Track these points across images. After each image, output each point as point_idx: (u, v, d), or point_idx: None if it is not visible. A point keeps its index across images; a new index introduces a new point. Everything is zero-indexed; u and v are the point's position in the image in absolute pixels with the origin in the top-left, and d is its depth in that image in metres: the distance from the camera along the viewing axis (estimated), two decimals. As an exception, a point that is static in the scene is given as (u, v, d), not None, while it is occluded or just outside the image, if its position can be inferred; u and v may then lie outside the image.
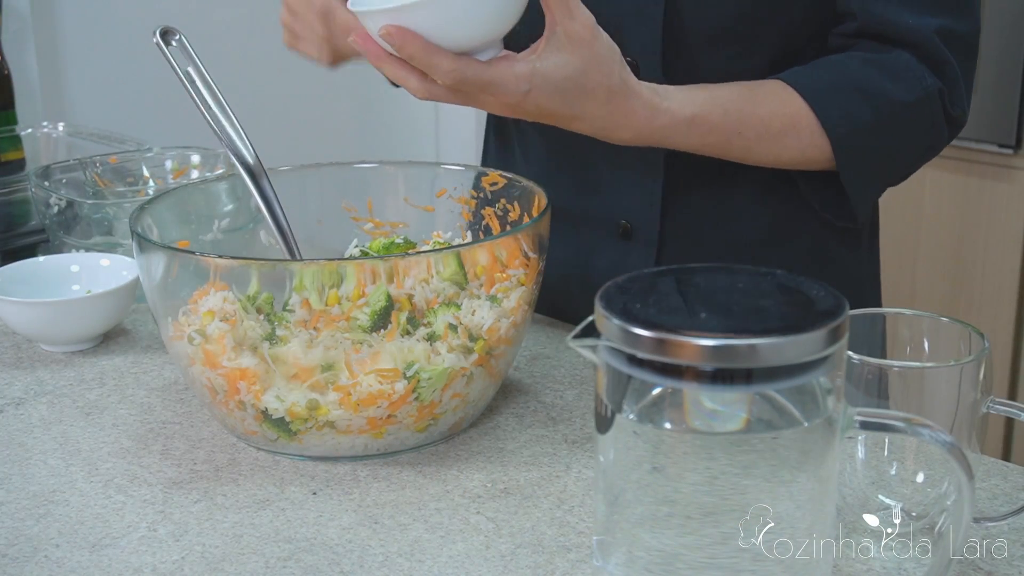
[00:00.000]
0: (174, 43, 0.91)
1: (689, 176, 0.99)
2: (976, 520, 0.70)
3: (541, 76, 0.81)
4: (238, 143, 0.90)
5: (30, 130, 1.59)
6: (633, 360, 0.54)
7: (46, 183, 1.18)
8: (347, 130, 2.54)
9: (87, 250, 1.14)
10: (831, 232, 1.02)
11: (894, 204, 2.11)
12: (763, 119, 0.91)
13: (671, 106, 0.88)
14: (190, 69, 0.91)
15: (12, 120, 1.60)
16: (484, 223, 0.97)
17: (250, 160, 0.90)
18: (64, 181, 1.21)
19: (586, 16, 0.81)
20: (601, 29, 0.82)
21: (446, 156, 2.59)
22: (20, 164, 1.52)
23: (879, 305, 1.09)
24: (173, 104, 2.10)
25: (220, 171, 1.18)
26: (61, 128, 1.60)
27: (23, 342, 1.04)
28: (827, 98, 0.91)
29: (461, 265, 0.83)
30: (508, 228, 0.94)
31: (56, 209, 1.15)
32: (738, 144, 0.91)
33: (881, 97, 0.91)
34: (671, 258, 1.01)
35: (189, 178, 1.22)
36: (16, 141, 1.54)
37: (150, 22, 0.92)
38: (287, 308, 0.81)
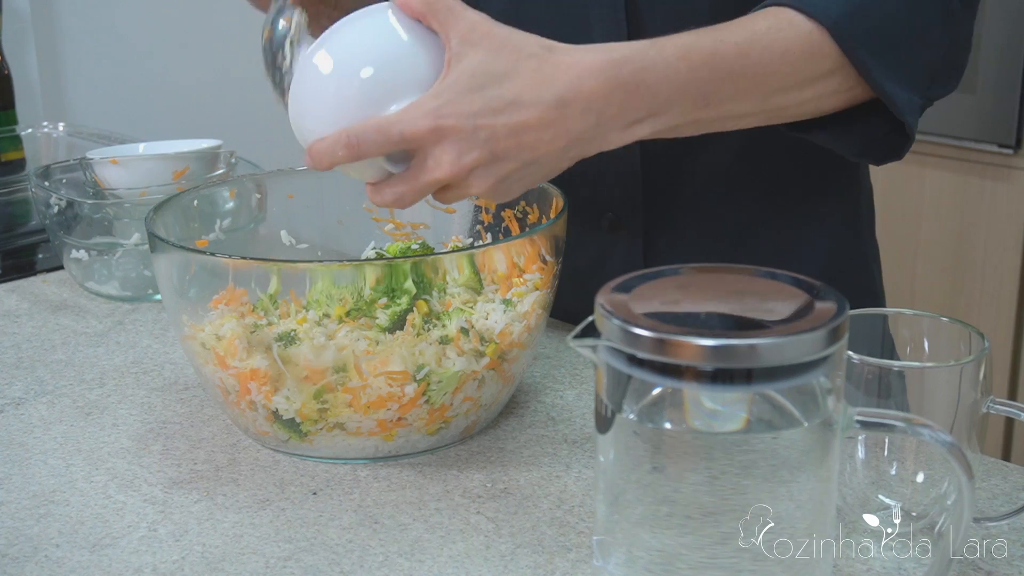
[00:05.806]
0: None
1: (668, 162, 0.98)
2: (976, 520, 0.70)
3: (447, 86, 0.73)
4: None
5: (30, 130, 1.60)
6: (633, 360, 0.54)
7: (46, 183, 1.18)
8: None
9: (87, 250, 1.14)
10: (818, 215, 1.02)
11: (894, 204, 2.11)
12: (757, 31, 0.78)
13: (629, 43, 0.76)
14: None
15: (12, 120, 1.61)
16: (504, 225, 0.97)
17: None
18: (64, 181, 1.21)
19: (474, 13, 0.76)
20: (499, 23, 0.76)
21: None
22: (20, 164, 1.52)
23: (879, 293, 1.08)
24: (173, 104, 2.11)
25: (220, 171, 1.18)
26: (61, 128, 1.60)
27: (23, 342, 1.04)
28: None
29: (476, 271, 0.83)
30: (527, 230, 0.94)
31: (56, 209, 1.15)
32: (742, 67, 0.78)
33: None
34: (657, 250, 1.00)
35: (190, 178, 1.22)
36: (16, 141, 1.55)
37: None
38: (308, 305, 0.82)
